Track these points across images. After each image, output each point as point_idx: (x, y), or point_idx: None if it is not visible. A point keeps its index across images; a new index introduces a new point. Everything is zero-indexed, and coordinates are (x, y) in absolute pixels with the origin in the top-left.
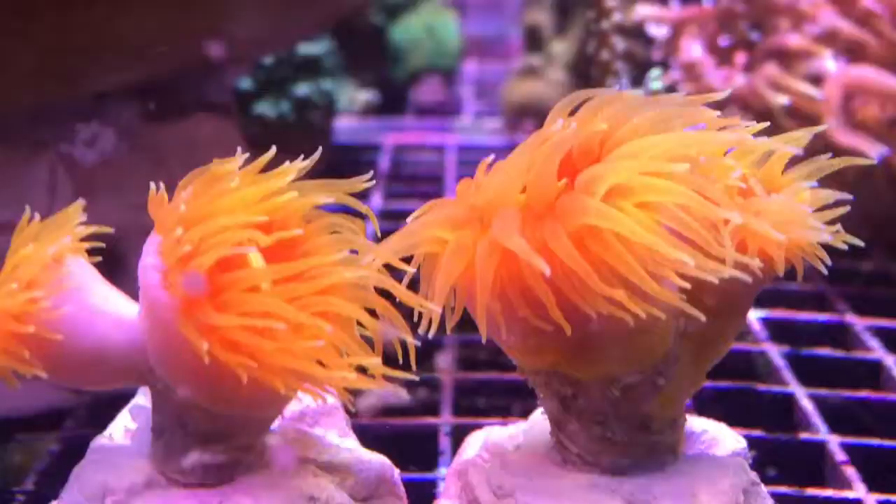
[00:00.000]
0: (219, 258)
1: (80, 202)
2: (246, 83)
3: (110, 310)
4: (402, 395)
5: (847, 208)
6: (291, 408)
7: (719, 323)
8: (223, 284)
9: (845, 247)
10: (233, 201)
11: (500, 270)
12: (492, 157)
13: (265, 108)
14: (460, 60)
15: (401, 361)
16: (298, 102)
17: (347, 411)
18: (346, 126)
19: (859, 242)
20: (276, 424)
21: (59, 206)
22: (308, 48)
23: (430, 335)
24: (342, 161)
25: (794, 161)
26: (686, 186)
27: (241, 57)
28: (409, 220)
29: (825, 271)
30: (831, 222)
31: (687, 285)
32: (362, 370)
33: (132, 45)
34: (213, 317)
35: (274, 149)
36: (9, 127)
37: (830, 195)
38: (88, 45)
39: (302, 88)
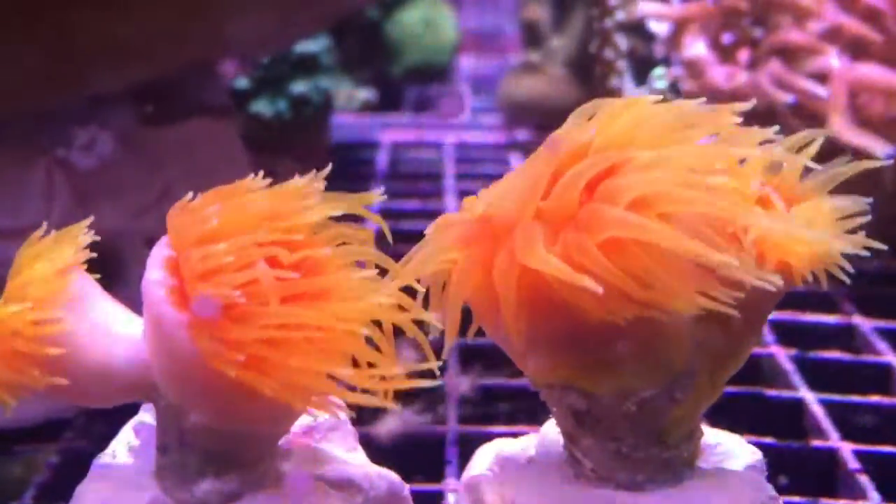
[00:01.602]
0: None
1: (89, 219)
2: (243, 82)
3: (114, 326)
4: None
5: (868, 217)
6: (299, 422)
7: (737, 335)
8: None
9: (868, 254)
10: (255, 218)
11: (518, 286)
12: None
13: (262, 106)
14: (456, 55)
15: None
16: (295, 100)
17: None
18: (343, 123)
19: (883, 247)
20: (283, 439)
21: (57, 210)
22: (305, 46)
23: (445, 356)
24: (340, 159)
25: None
26: (706, 197)
27: (239, 59)
28: (423, 241)
29: (848, 280)
30: (852, 231)
31: (740, 294)
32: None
33: (129, 48)
34: (231, 330)
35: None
36: (5, 131)
37: (850, 203)
38: (85, 49)
39: (299, 86)
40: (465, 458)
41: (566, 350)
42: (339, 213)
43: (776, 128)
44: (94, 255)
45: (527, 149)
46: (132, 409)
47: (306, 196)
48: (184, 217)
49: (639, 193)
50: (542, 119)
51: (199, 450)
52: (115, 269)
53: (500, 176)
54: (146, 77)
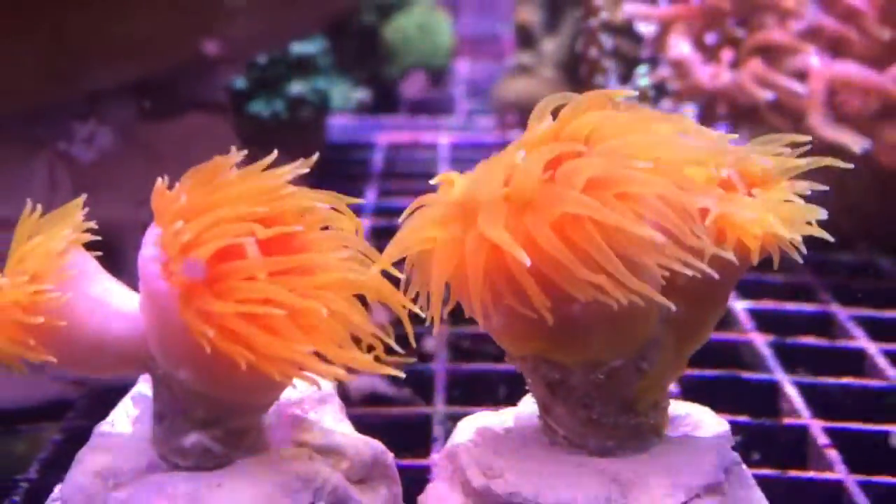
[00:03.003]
0: (217, 249)
1: (82, 197)
2: (240, 82)
3: (111, 300)
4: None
5: (823, 214)
6: (288, 394)
7: (699, 310)
8: (221, 274)
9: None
10: (232, 194)
11: (488, 262)
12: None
13: (259, 106)
14: (452, 60)
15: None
16: (292, 101)
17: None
18: (339, 124)
19: (829, 238)
20: (272, 410)
21: (59, 203)
22: (302, 47)
23: (435, 332)
24: (336, 160)
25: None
26: (663, 178)
27: (235, 56)
28: (400, 220)
29: (801, 261)
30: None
31: (665, 272)
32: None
33: (129, 44)
34: (213, 304)
35: (276, 151)
36: (8, 125)
37: (807, 187)
38: (85, 45)
39: (296, 87)
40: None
41: (536, 324)
42: (319, 203)
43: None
44: (96, 239)
45: None
46: (131, 388)
47: (277, 176)
48: (161, 198)
49: (593, 174)
50: None
51: (192, 417)
52: (114, 258)
53: None
54: (142, 74)
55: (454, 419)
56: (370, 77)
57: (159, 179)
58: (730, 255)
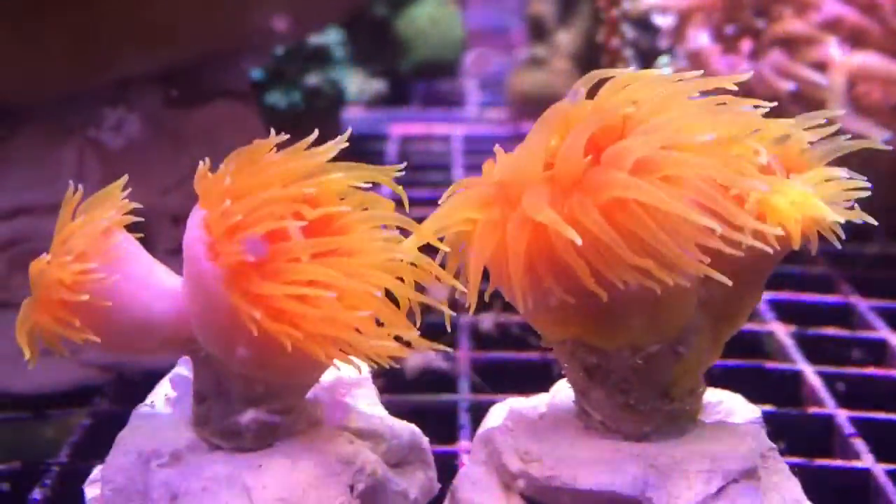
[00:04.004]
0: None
1: (124, 178)
2: (257, 73)
3: (155, 281)
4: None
5: (868, 192)
6: (325, 377)
7: (737, 294)
8: (268, 255)
9: (861, 221)
10: (277, 175)
11: (529, 245)
12: None
13: (276, 97)
14: (463, 52)
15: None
16: (309, 92)
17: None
18: (353, 116)
19: (873, 221)
20: (311, 393)
21: (88, 187)
22: (318, 38)
23: (471, 313)
24: (351, 151)
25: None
26: (709, 160)
27: (261, 45)
28: (440, 201)
29: (839, 246)
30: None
31: (707, 259)
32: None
33: (157, 32)
34: (261, 286)
35: (317, 132)
36: (39, 112)
37: (847, 174)
38: (114, 33)
39: (312, 78)
40: (476, 423)
41: (576, 308)
42: (360, 182)
43: (774, 104)
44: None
45: None
46: (159, 373)
47: (322, 154)
48: (206, 180)
49: (641, 155)
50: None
51: (236, 398)
52: (142, 243)
53: None
54: (170, 62)
55: (479, 407)
56: (384, 70)
57: (201, 163)
58: (777, 231)
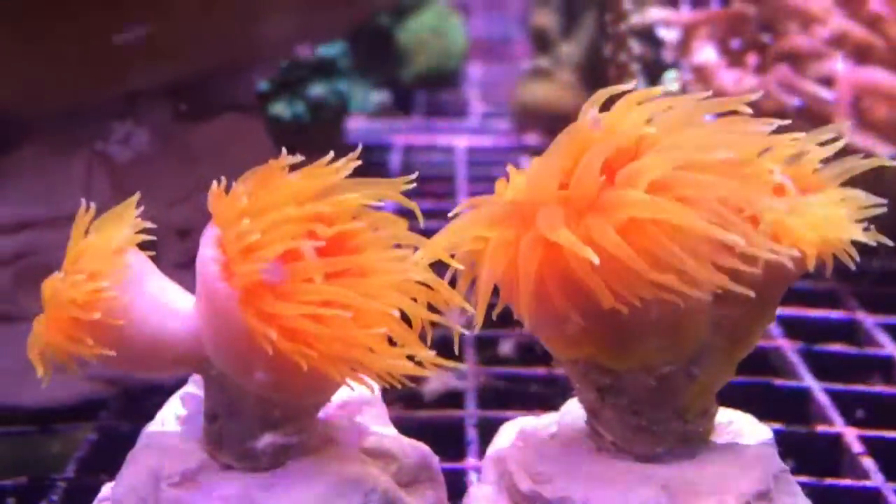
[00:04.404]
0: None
1: (136, 196)
2: (262, 84)
3: (167, 300)
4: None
5: (884, 209)
6: (335, 396)
7: (751, 315)
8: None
9: (874, 243)
10: (292, 195)
11: (542, 265)
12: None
13: (280, 108)
14: (465, 62)
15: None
16: (313, 103)
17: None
18: (355, 127)
19: (890, 243)
20: (321, 412)
21: (95, 200)
22: (323, 49)
23: (476, 331)
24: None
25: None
26: (725, 180)
27: (268, 58)
28: (450, 215)
29: (854, 268)
30: (862, 222)
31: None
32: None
33: (164, 48)
34: (276, 306)
35: (332, 153)
36: (48, 125)
37: (863, 196)
38: (122, 49)
39: (316, 89)
40: (484, 439)
41: (590, 328)
42: (374, 201)
43: (787, 121)
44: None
45: (537, 152)
46: (166, 391)
47: (336, 172)
48: (221, 199)
49: (656, 176)
50: (551, 123)
51: (248, 418)
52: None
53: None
54: (179, 76)
55: (486, 423)
56: (386, 80)
57: (215, 182)
58: (793, 252)
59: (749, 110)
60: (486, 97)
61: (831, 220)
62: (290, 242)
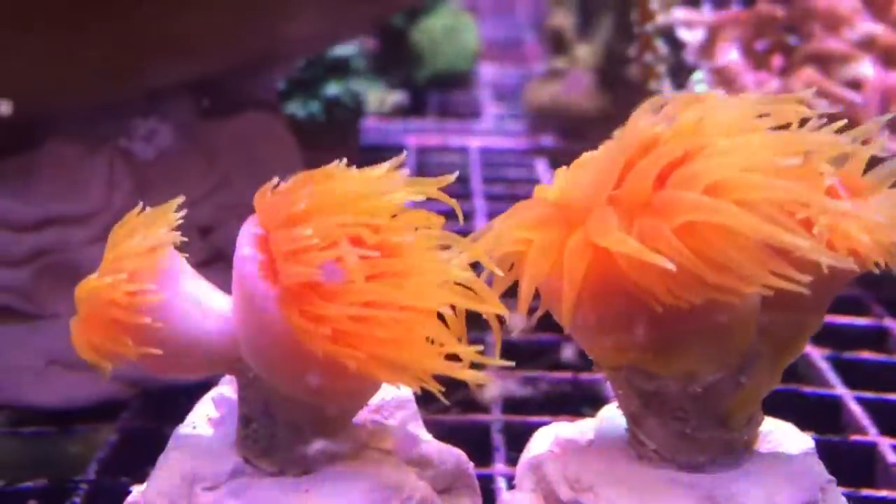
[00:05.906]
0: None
1: (179, 198)
2: (278, 83)
3: (205, 300)
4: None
5: None
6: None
7: (799, 321)
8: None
9: None
10: (345, 199)
11: (589, 269)
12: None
13: (296, 107)
14: (477, 63)
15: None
16: (328, 103)
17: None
18: (369, 127)
19: None
20: (357, 416)
21: (118, 197)
22: (338, 49)
23: (516, 336)
24: (369, 161)
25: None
26: (784, 182)
27: (291, 55)
28: (495, 221)
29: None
30: None
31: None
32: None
33: (189, 42)
34: (324, 307)
35: (387, 164)
36: (71, 122)
37: None
38: (146, 43)
39: (332, 89)
40: (510, 444)
41: (634, 334)
42: (420, 198)
43: (845, 121)
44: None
45: (551, 154)
46: (187, 392)
47: (391, 180)
48: (273, 198)
49: (713, 179)
50: (566, 125)
51: (284, 421)
52: None
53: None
54: (202, 73)
55: (512, 428)
56: (399, 80)
57: (268, 183)
58: (849, 263)
59: (808, 110)
60: (499, 99)
61: (885, 224)
62: (343, 247)
